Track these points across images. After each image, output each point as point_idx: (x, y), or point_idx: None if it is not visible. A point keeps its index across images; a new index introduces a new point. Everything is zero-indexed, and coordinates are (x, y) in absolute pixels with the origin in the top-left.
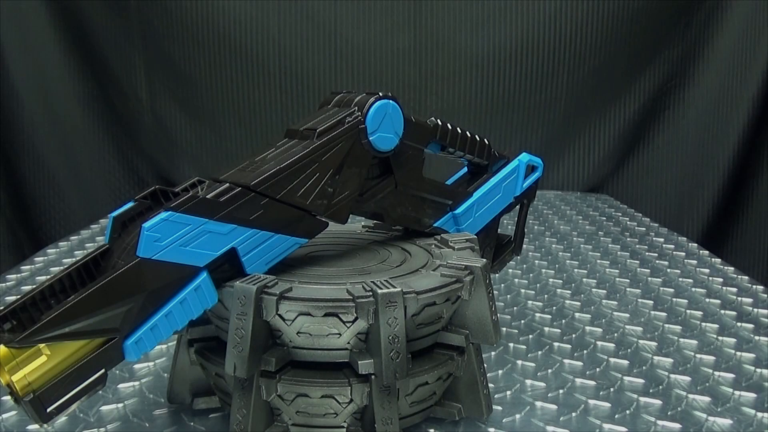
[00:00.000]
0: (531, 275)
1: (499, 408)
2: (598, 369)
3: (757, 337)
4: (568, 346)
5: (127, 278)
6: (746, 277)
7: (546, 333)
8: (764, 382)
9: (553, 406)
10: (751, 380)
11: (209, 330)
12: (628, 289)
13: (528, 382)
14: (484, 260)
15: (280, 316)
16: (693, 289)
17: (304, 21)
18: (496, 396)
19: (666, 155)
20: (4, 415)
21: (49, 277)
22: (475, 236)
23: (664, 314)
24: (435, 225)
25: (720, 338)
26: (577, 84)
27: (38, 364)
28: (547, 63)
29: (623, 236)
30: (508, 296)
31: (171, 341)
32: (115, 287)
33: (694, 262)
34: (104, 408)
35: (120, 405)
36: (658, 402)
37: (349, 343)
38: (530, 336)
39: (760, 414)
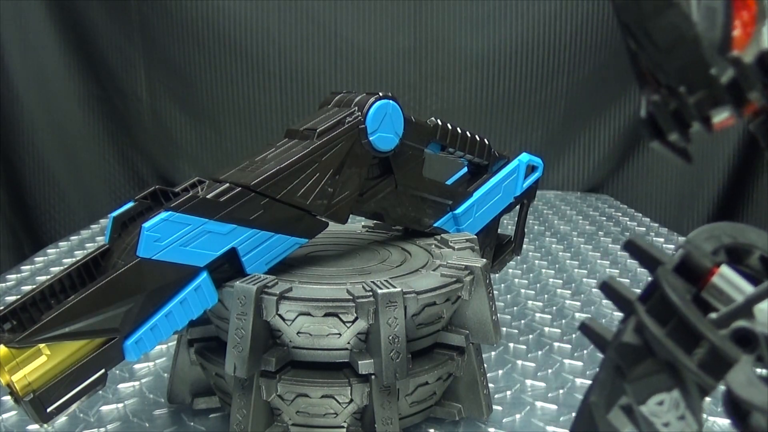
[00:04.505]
0: (531, 275)
1: (499, 408)
2: (598, 369)
3: None
4: (568, 346)
5: (127, 278)
6: None
7: (546, 333)
8: None
9: (553, 406)
10: None
11: (209, 330)
12: None
13: (528, 382)
14: (484, 260)
15: (280, 316)
16: None
17: (304, 21)
18: (496, 396)
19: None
20: (4, 415)
21: (49, 277)
22: (475, 236)
23: None
24: (435, 225)
25: None
26: (577, 84)
27: (38, 364)
28: (547, 63)
29: (623, 236)
30: (508, 296)
31: (171, 341)
32: (115, 287)
33: None
34: (104, 408)
35: (120, 405)
36: None
37: (349, 343)
38: (530, 336)
39: None
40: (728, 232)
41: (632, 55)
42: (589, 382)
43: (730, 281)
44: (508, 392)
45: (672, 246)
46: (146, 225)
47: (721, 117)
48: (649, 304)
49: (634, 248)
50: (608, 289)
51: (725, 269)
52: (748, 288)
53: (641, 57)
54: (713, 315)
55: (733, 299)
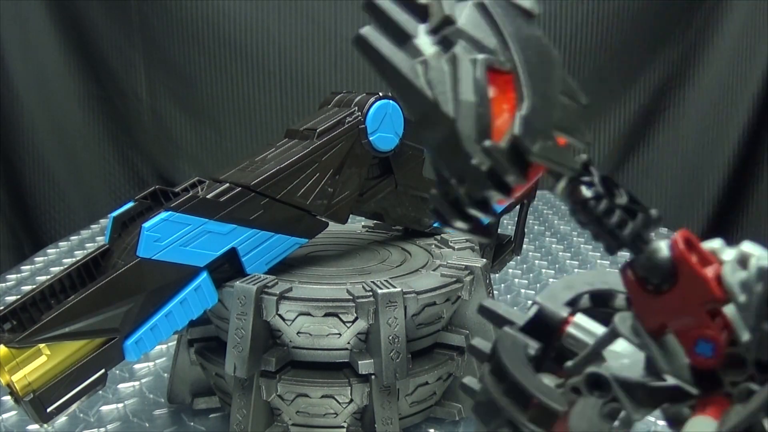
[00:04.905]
0: (531, 275)
1: None
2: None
3: None
4: None
5: (127, 278)
6: None
7: None
8: None
9: None
10: None
11: (209, 330)
12: None
13: None
14: (484, 260)
15: (280, 316)
16: None
17: (304, 21)
18: None
19: (666, 155)
20: (4, 415)
21: (49, 277)
22: None
23: None
24: (435, 225)
25: None
26: (577, 84)
27: (38, 364)
28: None
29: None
30: (508, 296)
31: (171, 341)
32: (115, 287)
33: None
34: (104, 408)
35: (120, 405)
36: None
37: (349, 343)
38: None
39: None
40: (586, 280)
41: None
42: None
43: (584, 328)
44: None
45: None
46: (146, 225)
47: (495, 199)
48: (491, 364)
49: (485, 312)
50: (471, 348)
51: (579, 317)
52: (601, 333)
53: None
54: (569, 363)
55: (588, 345)
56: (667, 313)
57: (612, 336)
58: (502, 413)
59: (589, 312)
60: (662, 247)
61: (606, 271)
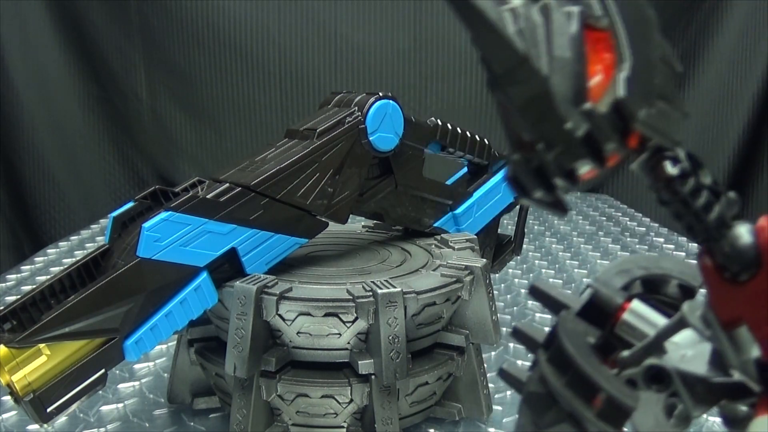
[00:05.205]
0: (531, 275)
1: (499, 408)
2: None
3: None
4: None
5: (127, 278)
6: None
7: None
8: None
9: None
10: None
11: (209, 330)
12: None
13: None
14: (484, 260)
15: (280, 316)
16: None
17: (304, 21)
18: (496, 396)
19: None
20: (4, 415)
21: (49, 277)
22: (475, 236)
23: None
24: (435, 225)
25: None
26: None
27: (38, 364)
28: None
29: (623, 236)
30: (508, 296)
31: (171, 341)
32: (115, 287)
33: (694, 262)
34: (104, 408)
35: (120, 405)
36: None
37: (349, 343)
38: None
39: None
40: (640, 264)
41: (502, 115)
42: None
43: (642, 316)
44: (508, 392)
45: (672, 246)
46: (146, 225)
47: (585, 169)
48: (550, 352)
49: (537, 293)
50: (518, 333)
51: (636, 304)
52: (661, 321)
53: (510, 116)
54: (626, 353)
55: (646, 334)
56: (744, 304)
57: (678, 326)
58: (562, 406)
59: (640, 298)
60: (745, 232)
61: (663, 255)
